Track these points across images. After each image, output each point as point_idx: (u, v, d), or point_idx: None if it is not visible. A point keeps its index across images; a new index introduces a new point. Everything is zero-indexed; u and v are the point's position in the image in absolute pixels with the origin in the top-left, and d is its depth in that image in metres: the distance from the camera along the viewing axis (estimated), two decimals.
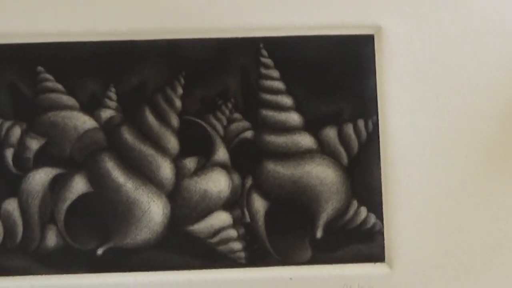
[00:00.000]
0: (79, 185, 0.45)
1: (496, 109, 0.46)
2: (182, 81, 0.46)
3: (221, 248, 0.46)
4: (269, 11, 0.46)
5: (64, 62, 0.46)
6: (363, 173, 0.46)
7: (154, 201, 0.45)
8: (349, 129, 0.46)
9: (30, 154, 0.45)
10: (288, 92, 0.46)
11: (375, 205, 0.46)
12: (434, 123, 0.46)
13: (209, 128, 0.46)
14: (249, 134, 0.46)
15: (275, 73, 0.46)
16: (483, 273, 0.46)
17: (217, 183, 0.46)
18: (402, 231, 0.46)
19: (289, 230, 0.46)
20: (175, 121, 0.46)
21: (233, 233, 0.46)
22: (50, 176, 0.45)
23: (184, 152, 0.46)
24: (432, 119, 0.46)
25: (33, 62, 0.46)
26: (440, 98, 0.46)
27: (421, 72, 0.46)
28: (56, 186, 0.45)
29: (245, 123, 0.46)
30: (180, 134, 0.46)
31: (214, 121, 0.46)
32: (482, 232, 0.46)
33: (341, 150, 0.46)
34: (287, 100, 0.46)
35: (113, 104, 0.46)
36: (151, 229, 0.45)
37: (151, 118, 0.46)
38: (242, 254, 0.46)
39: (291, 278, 0.46)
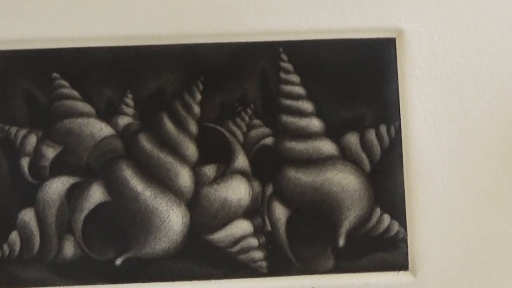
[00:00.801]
0: (96, 194, 0.44)
1: None
2: (201, 86, 0.45)
3: (242, 257, 0.45)
4: (289, 14, 0.45)
5: (80, 68, 0.45)
6: (385, 179, 0.45)
7: (173, 209, 0.44)
8: (371, 135, 0.45)
9: (46, 163, 0.44)
10: (309, 97, 0.45)
11: (398, 213, 0.45)
12: (457, 128, 0.45)
13: (228, 135, 0.45)
14: (269, 140, 0.45)
15: (295, 78, 0.45)
16: (509, 280, 0.45)
17: (237, 191, 0.45)
18: (426, 238, 0.45)
19: (311, 239, 0.45)
20: (193, 127, 0.45)
21: (254, 242, 0.45)
22: (67, 185, 0.44)
23: (203, 159, 0.45)
24: (455, 123, 0.45)
25: (49, 69, 0.45)
26: (463, 102, 0.45)
27: (444, 75, 0.45)
28: (73, 195, 0.44)
29: (265, 130, 0.45)
30: (199, 141, 0.45)
31: (234, 128, 0.45)
32: (508, 239, 0.45)
33: (363, 156, 0.45)
34: (307, 106, 0.45)
35: (130, 110, 0.45)
36: (170, 238, 0.44)
37: (169, 125, 0.45)
38: (264, 263, 0.45)
39: (313, 287, 0.45)
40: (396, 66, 0.45)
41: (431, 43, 0.45)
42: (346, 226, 0.45)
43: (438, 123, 0.45)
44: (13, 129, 0.44)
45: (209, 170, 0.45)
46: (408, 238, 0.45)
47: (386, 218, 0.45)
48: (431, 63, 0.45)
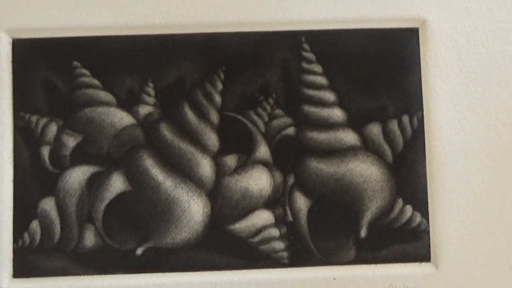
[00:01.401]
0: (117, 184, 0.44)
1: None
2: (222, 76, 0.45)
3: (263, 247, 0.45)
4: (311, 3, 0.45)
5: (100, 57, 0.44)
6: (408, 170, 0.45)
7: (194, 199, 0.44)
8: (394, 125, 0.45)
9: (67, 152, 0.44)
10: (331, 87, 0.45)
11: (421, 204, 0.45)
12: (480, 118, 0.45)
13: (250, 125, 0.45)
14: (291, 130, 0.45)
15: (317, 68, 0.45)
16: None
17: (259, 181, 0.44)
18: (448, 230, 0.45)
19: (333, 229, 0.45)
20: (215, 117, 0.45)
21: (275, 232, 0.45)
22: (88, 174, 0.44)
23: (224, 149, 0.45)
24: (478, 114, 0.45)
25: (69, 57, 0.44)
26: (486, 92, 0.45)
27: (467, 66, 0.45)
28: (94, 184, 0.44)
29: (286, 120, 0.45)
30: (220, 130, 0.45)
31: (255, 117, 0.45)
32: None
33: (386, 147, 0.45)
34: (330, 96, 0.45)
35: (151, 100, 0.45)
36: (191, 228, 0.44)
37: (190, 114, 0.45)
38: (285, 254, 0.45)
39: (334, 278, 0.44)
40: (419, 57, 0.45)
41: (454, 34, 0.45)
42: (368, 217, 0.45)
43: (460, 114, 0.45)
44: (34, 118, 0.44)
45: (230, 160, 0.45)
46: (430, 229, 0.45)
47: (408, 209, 0.45)
48: (454, 53, 0.45)
